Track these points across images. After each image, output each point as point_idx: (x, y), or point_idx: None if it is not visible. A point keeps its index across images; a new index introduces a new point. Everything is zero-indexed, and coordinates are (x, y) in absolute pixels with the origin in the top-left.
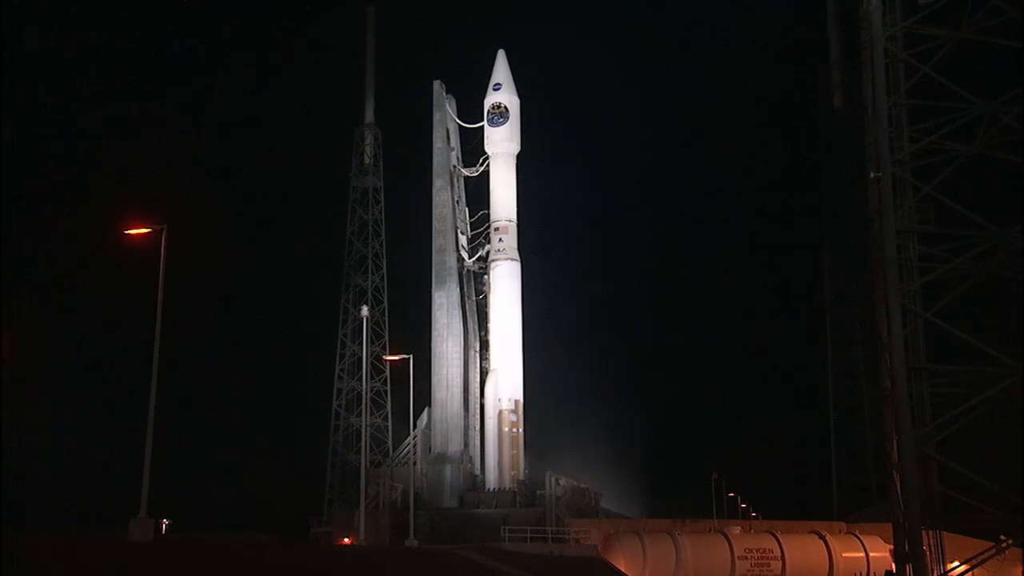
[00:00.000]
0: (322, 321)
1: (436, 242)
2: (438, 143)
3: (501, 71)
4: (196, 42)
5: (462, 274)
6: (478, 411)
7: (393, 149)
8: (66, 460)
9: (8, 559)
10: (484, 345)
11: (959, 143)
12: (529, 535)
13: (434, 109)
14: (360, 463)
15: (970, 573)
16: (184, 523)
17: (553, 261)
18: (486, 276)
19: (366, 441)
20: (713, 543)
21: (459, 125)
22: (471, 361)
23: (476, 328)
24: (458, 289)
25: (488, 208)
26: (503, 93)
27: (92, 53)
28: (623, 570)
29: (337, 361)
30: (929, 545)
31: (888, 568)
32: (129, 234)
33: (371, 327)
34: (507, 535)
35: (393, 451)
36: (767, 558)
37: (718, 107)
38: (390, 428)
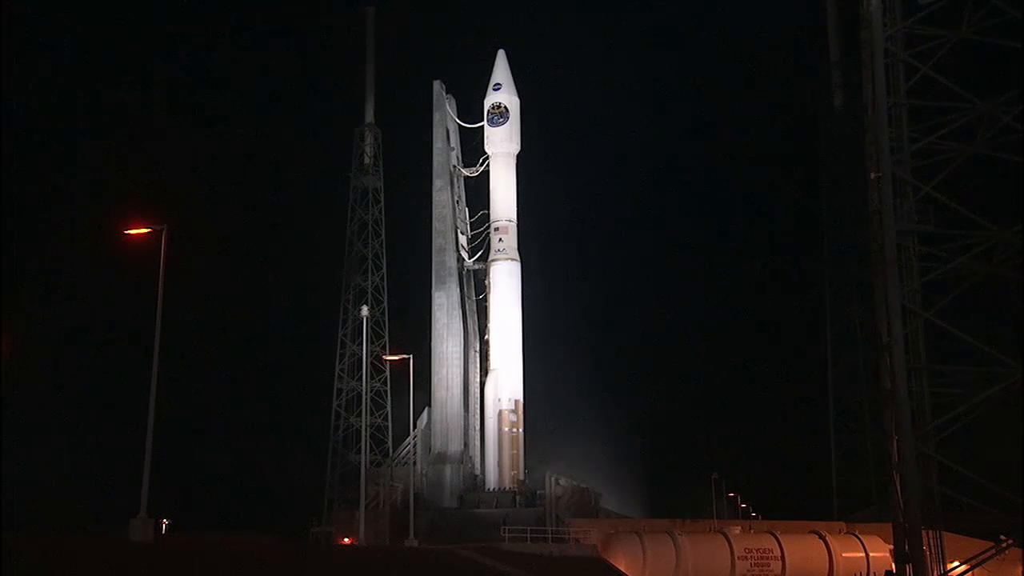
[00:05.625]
0: (322, 321)
1: (436, 242)
2: (438, 143)
3: (501, 71)
4: (196, 42)
5: (462, 274)
6: (478, 411)
7: (393, 149)
8: (66, 460)
9: (7, 559)
10: (484, 345)
11: (959, 143)
12: (529, 535)
13: (434, 109)
14: (360, 463)
15: (970, 573)
16: (184, 523)
17: (553, 261)
18: (486, 276)
19: (366, 441)
20: (713, 543)
21: (459, 125)
22: (471, 361)
23: (476, 328)
24: (458, 289)
25: (488, 208)
26: (503, 93)
27: (92, 52)
28: (623, 570)
29: (337, 361)
30: (929, 545)
31: (888, 568)
32: (129, 234)
33: (371, 327)
34: (507, 535)
35: (393, 451)
36: (767, 558)
37: (718, 106)
38: (390, 428)
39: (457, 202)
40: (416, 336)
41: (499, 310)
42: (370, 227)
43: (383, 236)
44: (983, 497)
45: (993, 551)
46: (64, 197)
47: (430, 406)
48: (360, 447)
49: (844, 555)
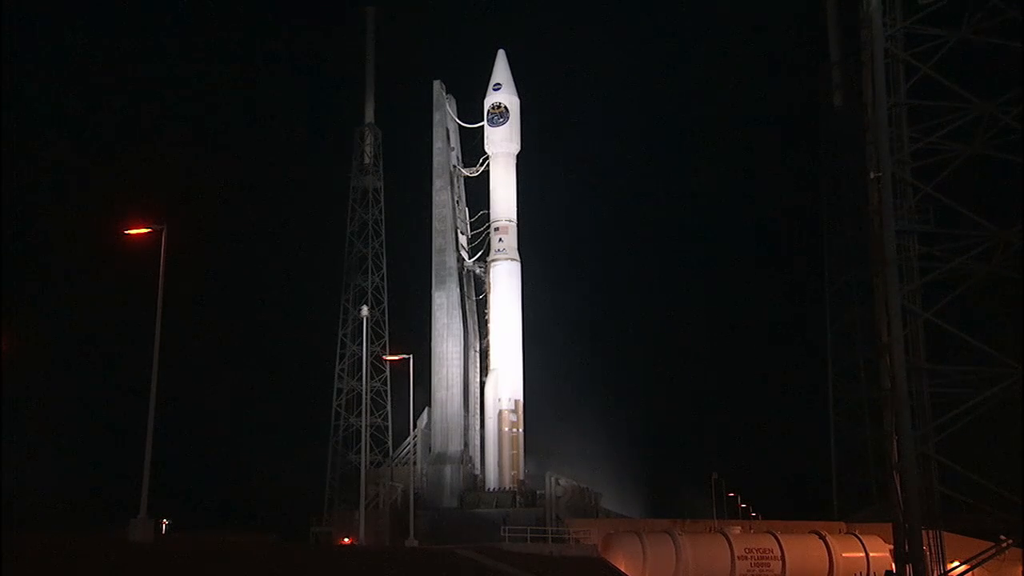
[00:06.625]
0: (322, 321)
1: (436, 242)
2: (438, 143)
3: (501, 71)
4: (196, 41)
5: (462, 274)
6: (478, 411)
7: (393, 149)
8: (66, 460)
9: (8, 559)
10: (484, 345)
11: (959, 143)
12: (529, 535)
13: (434, 109)
14: (360, 463)
15: (970, 573)
16: (184, 523)
17: (553, 261)
18: (486, 276)
19: (366, 441)
20: (713, 543)
21: (459, 125)
22: (471, 361)
23: (476, 328)
24: (458, 289)
25: (488, 208)
26: (503, 93)
27: (92, 52)
28: (623, 570)
29: (337, 361)
30: (929, 545)
31: (888, 568)
32: (129, 234)
33: (371, 327)
34: (507, 535)
35: (393, 451)
36: (767, 558)
37: (718, 106)
38: (390, 428)
39: (457, 202)
40: (416, 336)
41: (499, 310)
42: (370, 227)
43: (383, 236)
44: (983, 497)
45: (993, 551)
46: (64, 196)
47: (430, 406)
48: (360, 447)
49: (844, 555)
